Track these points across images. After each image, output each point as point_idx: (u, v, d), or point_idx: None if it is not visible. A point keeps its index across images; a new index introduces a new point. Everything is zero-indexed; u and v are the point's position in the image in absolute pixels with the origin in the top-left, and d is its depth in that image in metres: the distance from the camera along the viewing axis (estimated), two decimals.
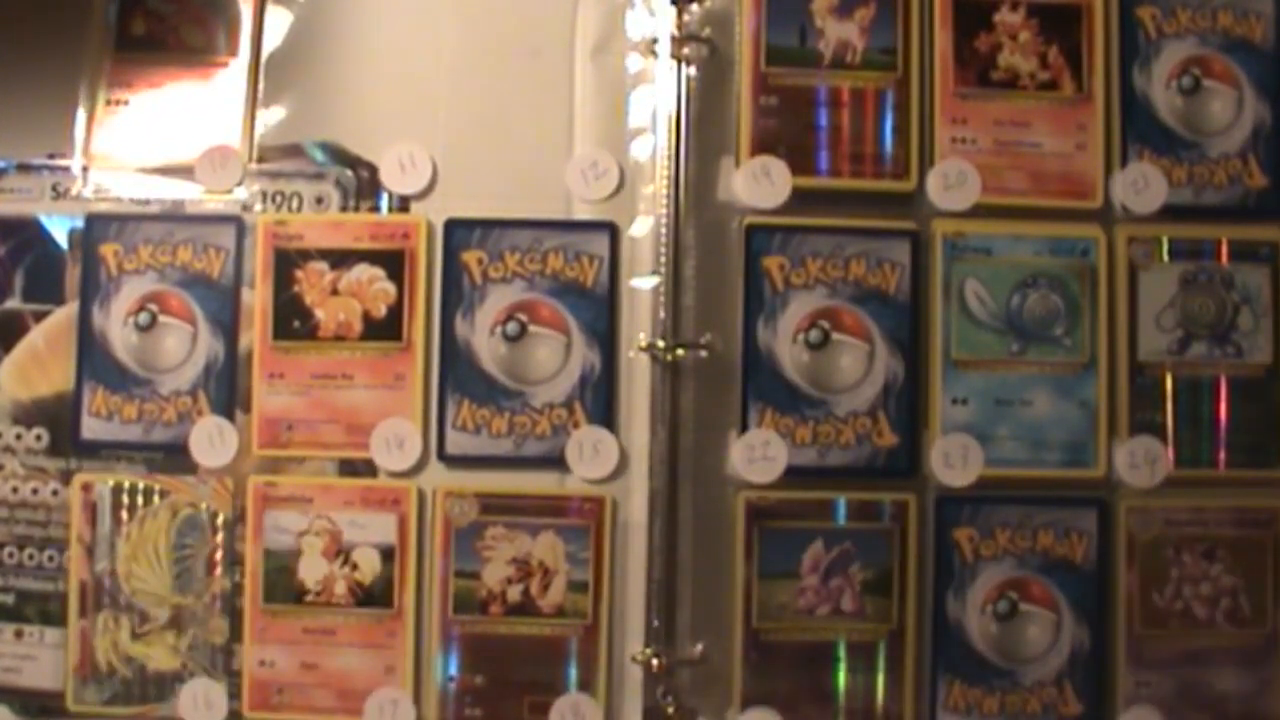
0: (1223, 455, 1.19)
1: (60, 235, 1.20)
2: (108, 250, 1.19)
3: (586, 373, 1.17)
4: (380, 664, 1.15)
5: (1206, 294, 1.19)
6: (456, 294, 1.18)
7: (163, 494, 1.17)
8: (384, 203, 1.20)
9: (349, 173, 1.20)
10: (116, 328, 1.19)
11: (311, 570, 1.16)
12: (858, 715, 1.16)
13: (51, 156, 1.21)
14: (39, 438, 1.19)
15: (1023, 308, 1.18)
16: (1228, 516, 1.18)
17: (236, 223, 1.19)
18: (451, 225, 1.18)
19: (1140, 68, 1.21)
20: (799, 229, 1.18)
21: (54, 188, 1.21)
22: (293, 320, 1.18)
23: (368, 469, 1.17)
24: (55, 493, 1.18)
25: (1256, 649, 1.18)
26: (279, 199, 1.20)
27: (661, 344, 1.16)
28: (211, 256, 1.19)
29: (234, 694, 1.17)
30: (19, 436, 1.19)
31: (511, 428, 1.17)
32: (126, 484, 1.17)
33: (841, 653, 1.16)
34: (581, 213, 1.19)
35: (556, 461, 1.16)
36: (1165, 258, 1.19)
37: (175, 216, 1.20)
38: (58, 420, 1.19)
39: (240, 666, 1.16)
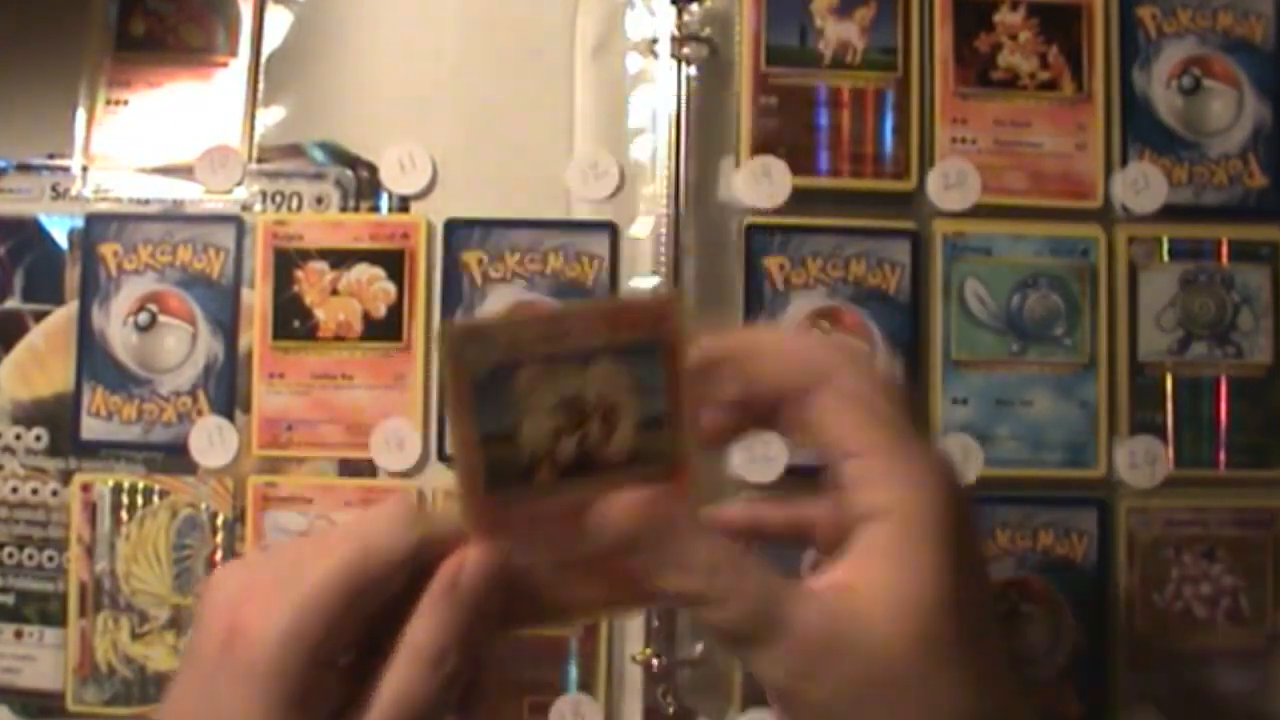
0: (1223, 455, 1.19)
1: (60, 235, 1.20)
2: (107, 250, 1.19)
3: None
4: None
5: (1207, 294, 1.19)
6: (457, 294, 1.18)
7: (162, 494, 1.17)
8: (384, 203, 1.19)
9: (349, 173, 1.19)
10: (116, 328, 1.19)
11: None
12: None
13: (51, 156, 1.21)
14: (38, 438, 1.19)
15: (1023, 308, 1.18)
16: (1228, 517, 1.18)
17: (236, 223, 1.19)
18: (452, 225, 1.18)
19: (1140, 68, 1.21)
20: (799, 229, 1.18)
21: (54, 188, 1.21)
22: (293, 320, 1.17)
23: (368, 469, 1.17)
24: (55, 493, 1.18)
25: (1257, 649, 1.18)
26: (279, 199, 1.20)
27: None
28: (211, 256, 1.19)
29: None
30: (19, 436, 1.19)
31: None
32: (126, 484, 1.17)
33: None
34: (581, 213, 1.18)
35: None
36: (1165, 258, 1.19)
37: (175, 216, 1.20)
38: (57, 420, 1.19)
39: None
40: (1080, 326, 1.18)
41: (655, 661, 1.15)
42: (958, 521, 0.67)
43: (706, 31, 1.19)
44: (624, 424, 0.69)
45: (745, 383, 0.71)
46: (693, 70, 1.19)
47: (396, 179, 1.19)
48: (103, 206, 1.20)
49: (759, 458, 1.15)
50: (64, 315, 1.19)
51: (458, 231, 1.18)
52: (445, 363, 0.67)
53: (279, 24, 1.22)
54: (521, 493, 0.67)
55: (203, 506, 1.17)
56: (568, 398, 0.68)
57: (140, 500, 1.17)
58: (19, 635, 1.18)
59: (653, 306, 0.69)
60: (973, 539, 0.70)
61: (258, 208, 1.19)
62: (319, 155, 1.21)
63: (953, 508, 0.67)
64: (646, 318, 0.69)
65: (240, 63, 1.22)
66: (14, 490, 1.19)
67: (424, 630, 0.62)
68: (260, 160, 1.21)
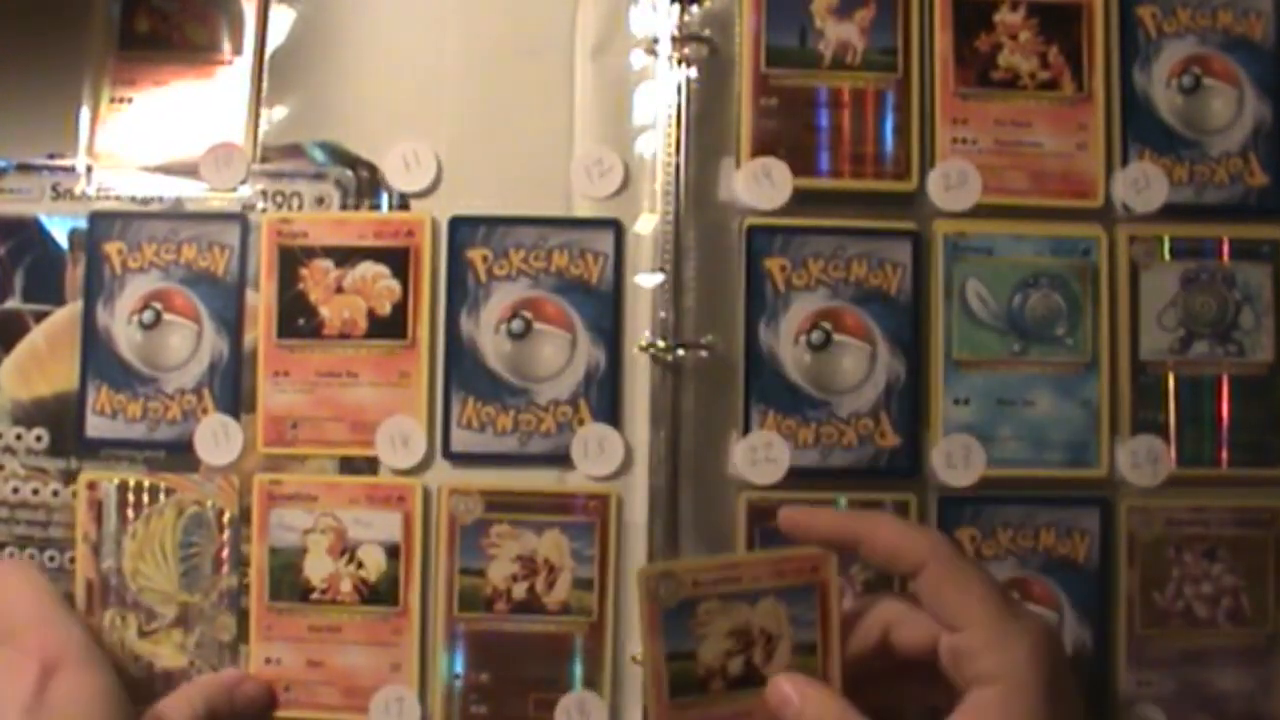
0: (1225, 454, 1.19)
1: (60, 235, 1.20)
2: (111, 248, 1.19)
3: (591, 370, 1.17)
4: (386, 661, 1.15)
5: (1208, 293, 1.19)
6: (461, 291, 1.18)
7: (168, 492, 1.17)
8: (384, 202, 1.19)
9: (349, 173, 1.19)
10: (120, 326, 1.18)
11: (317, 568, 1.15)
12: None
13: (52, 156, 1.21)
14: (39, 438, 1.19)
15: (1024, 307, 1.18)
16: (1229, 516, 1.18)
17: (241, 220, 1.19)
18: (456, 223, 1.18)
19: (1140, 67, 1.21)
20: (800, 230, 1.18)
21: (54, 188, 1.21)
22: (297, 318, 1.17)
23: (371, 467, 1.17)
24: (55, 493, 1.18)
25: (1258, 649, 1.19)
26: (279, 199, 1.19)
27: (662, 344, 1.16)
28: (216, 254, 1.18)
29: None
30: (19, 437, 1.19)
31: (516, 425, 1.16)
32: (132, 482, 1.17)
33: None
34: (585, 210, 1.18)
35: (561, 459, 1.16)
36: (1166, 257, 1.20)
37: (179, 214, 1.20)
38: (58, 420, 1.19)
39: (247, 664, 1.16)
40: (1082, 326, 1.18)
41: None
42: (1054, 680, 0.84)
43: (707, 32, 1.20)
44: (782, 648, 0.93)
45: (866, 559, 0.95)
46: (693, 71, 1.19)
47: (401, 176, 1.19)
48: (105, 205, 1.20)
49: (761, 459, 1.15)
50: (65, 315, 1.19)
51: (462, 229, 1.18)
52: (642, 596, 0.93)
53: (282, 22, 1.22)
54: (698, 700, 0.93)
55: (209, 504, 1.17)
56: (738, 627, 0.93)
57: (146, 498, 1.17)
58: None
59: (809, 559, 0.94)
60: (1069, 693, 0.86)
61: (260, 207, 1.19)
62: (319, 155, 1.21)
63: (1050, 668, 0.84)
64: (804, 567, 0.94)
65: (244, 60, 1.22)
66: (14, 490, 1.18)
67: None
68: (261, 160, 1.21)
